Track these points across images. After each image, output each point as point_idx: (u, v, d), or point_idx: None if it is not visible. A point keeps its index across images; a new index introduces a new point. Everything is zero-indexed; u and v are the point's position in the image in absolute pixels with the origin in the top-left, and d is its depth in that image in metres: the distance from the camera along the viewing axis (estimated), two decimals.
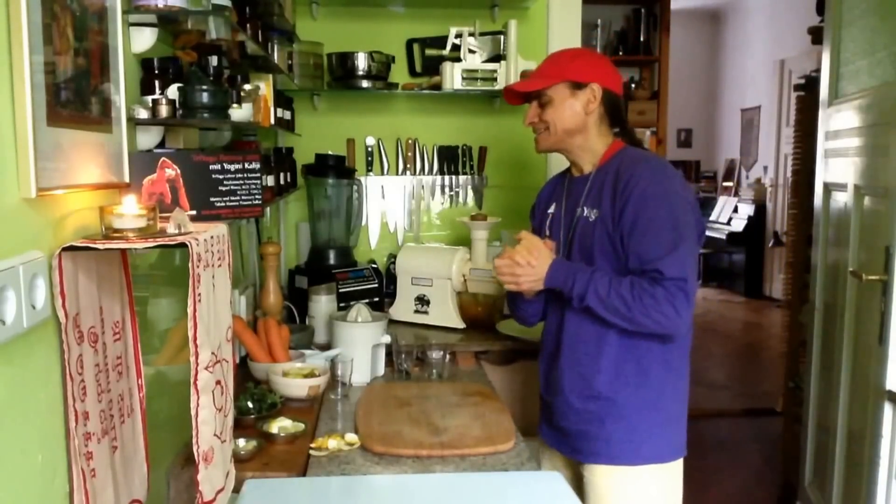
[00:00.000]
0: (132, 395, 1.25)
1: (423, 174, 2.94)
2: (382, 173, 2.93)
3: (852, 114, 2.27)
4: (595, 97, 1.66)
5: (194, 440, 1.12)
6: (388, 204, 2.94)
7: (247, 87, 1.71)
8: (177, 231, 1.13)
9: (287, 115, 2.42)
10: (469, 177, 2.95)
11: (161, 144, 1.45)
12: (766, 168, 7.53)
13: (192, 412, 1.11)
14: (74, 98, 1.04)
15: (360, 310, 2.07)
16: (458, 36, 2.65)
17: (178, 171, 1.33)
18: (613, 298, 1.55)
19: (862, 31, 2.25)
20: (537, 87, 1.69)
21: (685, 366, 1.71)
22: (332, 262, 2.62)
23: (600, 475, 1.67)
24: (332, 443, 1.56)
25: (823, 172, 2.55)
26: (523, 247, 1.66)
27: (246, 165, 1.41)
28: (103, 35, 1.15)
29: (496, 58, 2.66)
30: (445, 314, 2.46)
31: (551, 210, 1.80)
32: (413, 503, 1.34)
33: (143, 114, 1.33)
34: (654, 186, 1.59)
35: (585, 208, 1.68)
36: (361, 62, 2.65)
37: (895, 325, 1.83)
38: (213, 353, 1.16)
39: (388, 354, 2.12)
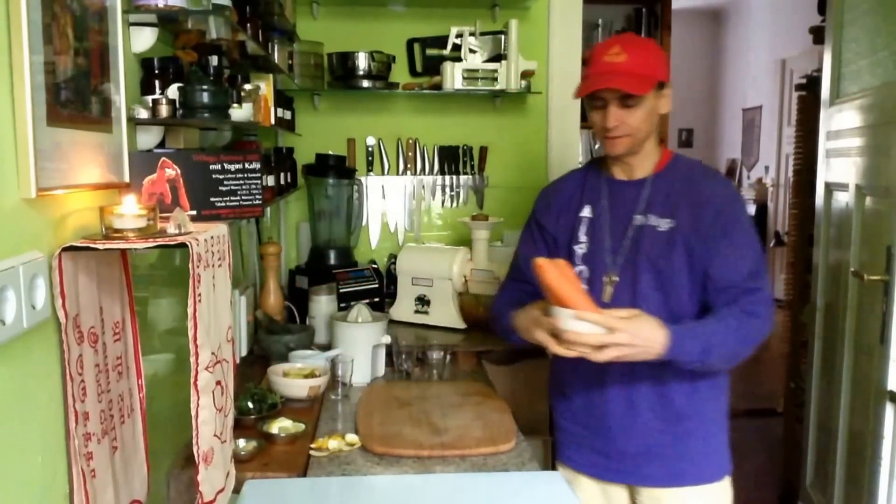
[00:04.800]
0: (132, 396, 1.25)
1: (424, 174, 2.94)
2: (383, 173, 2.93)
3: (854, 113, 2.26)
4: (670, 97, 1.57)
5: (194, 440, 1.12)
6: (388, 204, 2.94)
7: (247, 86, 1.71)
8: (177, 231, 1.13)
9: (287, 114, 2.42)
10: (470, 177, 2.95)
11: (161, 144, 1.45)
12: (767, 168, 7.52)
13: (193, 412, 1.11)
14: (74, 98, 1.04)
15: (360, 310, 2.07)
16: (459, 36, 2.64)
17: (178, 171, 1.32)
18: (732, 343, 1.46)
19: (863, 30, 2.25)
20: (644, 92, 1.49)
21: None
22: (332, 262, 2.61)
23: (683, 498, 1.61)
24: (333, 443, 1.56)
25: (825, 172, 2.55)
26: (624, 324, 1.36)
27: (246, 165, 1.41)
28: (103, 35, 1.15)
29: (497, 57, 2.66)
30: (446, 314, 2.45)
31: (585, 213, 1.63)
32: None
33: (143, 114, 1.33)
34: (735, 197, 1.58)
35: (651, 216, 1.56)
36: (362, 62, 2.64)
37: None
38: (213, 354, 1.16)
39: (389, 355, 2.11)
